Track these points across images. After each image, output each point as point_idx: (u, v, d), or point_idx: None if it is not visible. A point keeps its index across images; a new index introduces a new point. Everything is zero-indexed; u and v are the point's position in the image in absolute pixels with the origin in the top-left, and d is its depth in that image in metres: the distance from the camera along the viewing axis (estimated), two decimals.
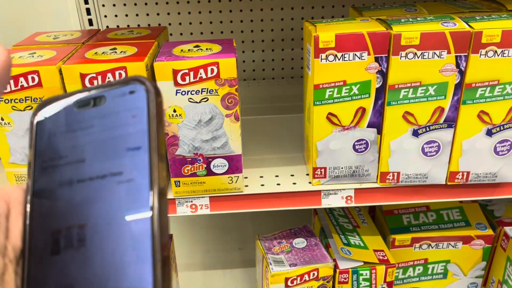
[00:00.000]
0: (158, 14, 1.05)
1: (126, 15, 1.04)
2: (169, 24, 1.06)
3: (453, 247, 0.86)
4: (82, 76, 0.58)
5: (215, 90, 0.60)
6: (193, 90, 0.59)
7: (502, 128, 0.63)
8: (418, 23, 0.60)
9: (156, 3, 1.03)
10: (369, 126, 0.64)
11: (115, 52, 0.62)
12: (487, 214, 0.90)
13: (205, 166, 0.65)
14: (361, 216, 0.92)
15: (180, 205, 0.68)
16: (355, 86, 0.62)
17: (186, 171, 0.65)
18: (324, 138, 0.65)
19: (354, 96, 0.62)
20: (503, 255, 0.85)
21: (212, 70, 0.59)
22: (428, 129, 0.64)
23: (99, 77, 0.58)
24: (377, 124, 0.64)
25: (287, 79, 1.11)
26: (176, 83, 0.59)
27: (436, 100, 0.62)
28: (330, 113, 0.63)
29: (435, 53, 0.59)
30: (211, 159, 0.64)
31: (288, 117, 0.87)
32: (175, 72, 0.58)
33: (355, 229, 0.88)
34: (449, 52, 0.59)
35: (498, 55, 0.58)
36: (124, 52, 0.62)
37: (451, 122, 0.63)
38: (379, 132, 0.65)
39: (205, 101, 0.60)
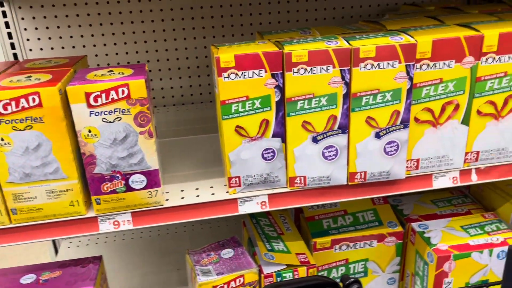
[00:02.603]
0: (84, 46, 1.09)
1: (52, 48, 1.08)
2: (96, 55, 1.10)
3: (370, 245, 0.93)
4: None
5: (127, 109, 0.65)
6: (106, 111, 0.64)
7: (388, 131, 0.72)
8: (307, 43, 0.69)
9: (82, 36, 1.08)
10: (274, 136, 0.71)
11: (30, 79, 0.65)
12: (397, 213, 0.99)
13: (124, 182, 0.69)
14: (286, 224, 0.98)
15: (102, 222, 0.71)
16: (257, 101, 0.69)
17: (105, 189, 0.68)
18: (235, 149, 0.71)
19: (257, 110, 0.69)
20: (413, 249, 0.93)
21: (123, 91, 0.64)
22: (325, 135, 0.71)
23: (13, 103, 0.61)
24: (280, 133, 0.71)
25: (205, 103, 1.18)
26: (89, 105, 0.63)
27: (329, 109, 0.70)
28: (237, 126, 0.70)
29: (322, 68, 0.67)
30: (129, 176, 0.68)
31: (209, 137, 0.92)
32: (87, 95, 0.63)
33: (280, 236, 0.93)
34: (334, 67, 0.67)
35: (375, 68, 0.68)
36: (38, 79, 0.65)
37: (344, 128, 0.71)
38: (284, 140, 0.72)
39: (118, 120, 0.65)
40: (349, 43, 0.68)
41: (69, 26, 1.06)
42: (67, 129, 0.65)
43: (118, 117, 0.65)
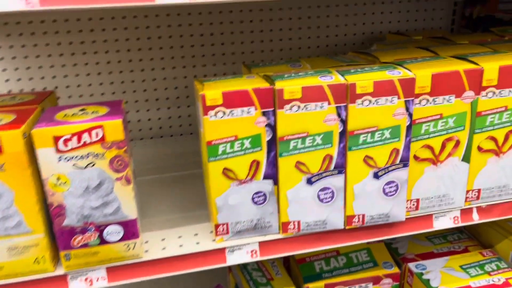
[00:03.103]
0: (54, 77, 1.01)
1: (19, 79, 1.00)
2: (67, 86, 1.02)
3: None
4: None
5: (102, 154, 0.57)
6: (78, 156, 0.57)
7: (387, 170, 0.67)
8: (300, 77, 0.64)
9: (52, 66, 1.00)
10: (265, 178, 0.65)
11: None
12: (392, 252, 0.94)
13: (98, 234, 0.61)
14: (275, 268, 0.91)
15: (73, 279, 0.62)
16: (246, 140, 0.63)
17: (76, 243, 0.60)
18: (222, 194, 0.65)
19: (247, 150, 0.63)
20: None
21: (97, 134, 0.56)
22: (320, 176, 0.66)
23: None
24: (272, 175, 0.65)
25: (185, 136, 1.12)
26: (58, 150, 0.56)
27: (324, 149, 0.64)
28: (225, 168, 0.63)
29: (317, 105, 0.62)
30: (103, 227, 0.61)
31: (189, 174, 0.86)
32: (56, 138, 0.55)
33: (269, 282, 0.86)
34: (329, 103, 0.62)
35: (373, 104, 0.63)
36: (0, 120, 0.58)
37: (340, 168, 0.66)
38: (276, 182, 0.66)
39: (91, 166, 0.58)
40: (344, 78, 0.63)
41: (37, 56, 0.99)
42: (32, 177, 0.57)
43: (91, 163, 0.57)
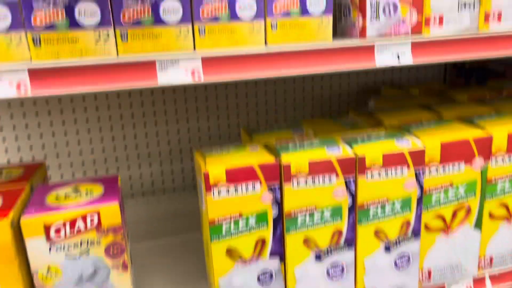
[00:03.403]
0: (43, 146, 0.97)
1: (6, 151, 0.95)
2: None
3: None
4: None
5: (97, 240, 0.53)
6: (71, 244, 0.52)
7: (398, 243, 0.64)
8: (305, 149, 0.61)
9: (42, 135, 0.96)
10: (271, 255, 0.61)
11: None
12: None
13: None
14: None
15: None
16: (251, 218, 0.59)
17: None
18: (226, 274, 0.60)
19: (252, 228, 0.59)
20: None
21: (92, 220, 0.52)
22: (329, 252, 0.62)
23: None
24: (279, 252, 0.62)
25: (179, 192, 1.08)
26: (49, 239, 0.51)
27: (333, 223, 0.61)
28: (229, 248, 0.59)
29: (325, 178, 0.59)
30: None
31: (186, 239, 0.81)
32: (47, 227, 0.51)
33: None
34: (337, 177, 0.59)
35: (382, 176, 0.60)
36: None
37: (350, 242, 0.62)
38: (282, 259, 0.62)
39: (86, 255, 0.53)
40: (352, 150, 0.60)
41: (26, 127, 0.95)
42: (20, 269, 0.52)
43: (85, 251, 0.53)
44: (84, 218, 0.52)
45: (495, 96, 0.87)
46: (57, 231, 0.51)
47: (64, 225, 0.51)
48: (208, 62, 0.50)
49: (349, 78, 1.14)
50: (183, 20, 0.51)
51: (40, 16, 0.46)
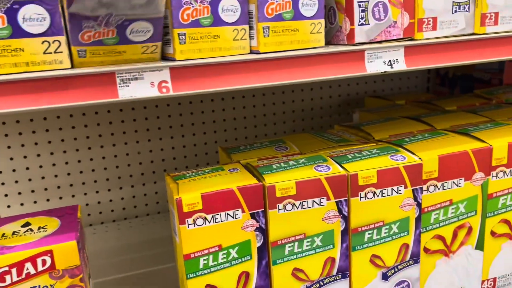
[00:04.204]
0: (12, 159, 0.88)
1: None
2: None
3: None
4: None
5: (51, 285, 0.45)
6: None
7: (396, 269, 0.58)
8: (291, 168, 0.54)
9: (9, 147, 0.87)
10: None
11: None
12: None
13: None
14: None
15: None
16: (233, 250, 0.52)
17: None
18: None
19: (234, 261, 0.52)
20: None
21: (44, 261, 0.44)
22: (321, 283, 0.55)
23: None
24: (265, 287, 0.54)
25: (152, 216, 1.00)
26: None
27: (325, 251, 0.54)
28: (208, 285, 0.52)
29: (314, 201, 0.53)
30: None
31: (158, 271, 0.73)
32: None
33: None
34: (328, 199, 0.53)
35: (377, 196, 0.54)
36: None
37: (344, 272, 0.56)
38: None
39: None
40: (342, 167, 0.54)
41: None
42: None
43: None
44: (33, 260, 0.44)
45: (485, 105, 0.83)
46: (2, 276, 0.43)
47: (10, 269, 0.43)
48: (178, 73, 0.43)
49: (330, 89, 1.09)
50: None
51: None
